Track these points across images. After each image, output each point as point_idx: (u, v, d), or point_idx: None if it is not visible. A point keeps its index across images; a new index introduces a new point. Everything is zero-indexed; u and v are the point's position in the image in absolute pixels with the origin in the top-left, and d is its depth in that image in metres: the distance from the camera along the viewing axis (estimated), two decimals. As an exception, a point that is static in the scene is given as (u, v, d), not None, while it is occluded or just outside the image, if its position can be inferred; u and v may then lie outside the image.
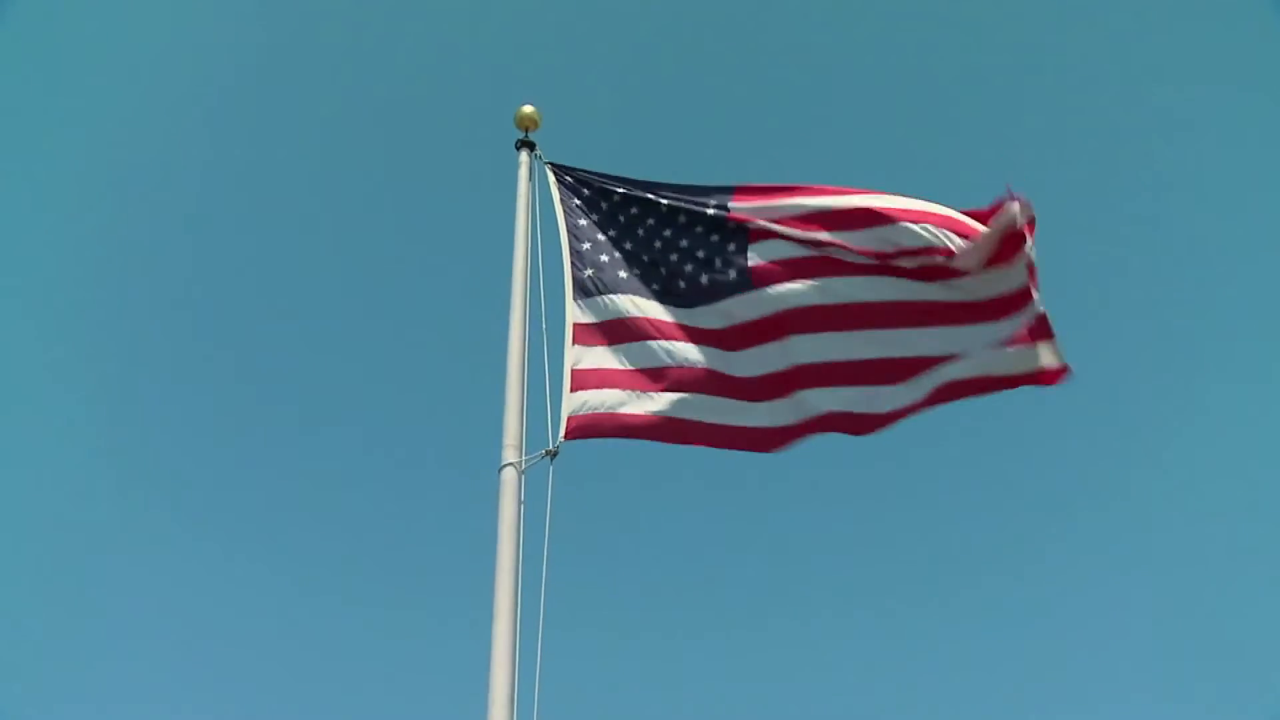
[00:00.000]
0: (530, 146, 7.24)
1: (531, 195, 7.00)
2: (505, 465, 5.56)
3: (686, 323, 6.39)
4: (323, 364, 19.90)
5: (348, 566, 17.79)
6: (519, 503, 5.48)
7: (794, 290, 6.29)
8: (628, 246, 6.71)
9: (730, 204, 6.60)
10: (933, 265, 6.00)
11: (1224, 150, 18.72)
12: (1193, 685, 15.48)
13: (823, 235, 6.27)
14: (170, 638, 15.78)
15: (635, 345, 6.28)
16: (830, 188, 6.39)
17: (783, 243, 6.40)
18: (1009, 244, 5.69)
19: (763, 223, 6.46)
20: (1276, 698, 13.97)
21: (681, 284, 6.53)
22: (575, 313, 6.36)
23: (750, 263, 6.43)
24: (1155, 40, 19.42)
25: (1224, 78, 18.42)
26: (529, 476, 5.62)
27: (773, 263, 6.38)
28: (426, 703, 14.75)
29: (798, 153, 21.16)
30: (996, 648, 17.25)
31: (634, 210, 6.85)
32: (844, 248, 6.23)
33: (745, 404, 6.28)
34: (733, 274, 6.44)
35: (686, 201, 6.74)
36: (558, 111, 7.73)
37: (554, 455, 5.72)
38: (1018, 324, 5.83)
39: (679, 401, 6.18)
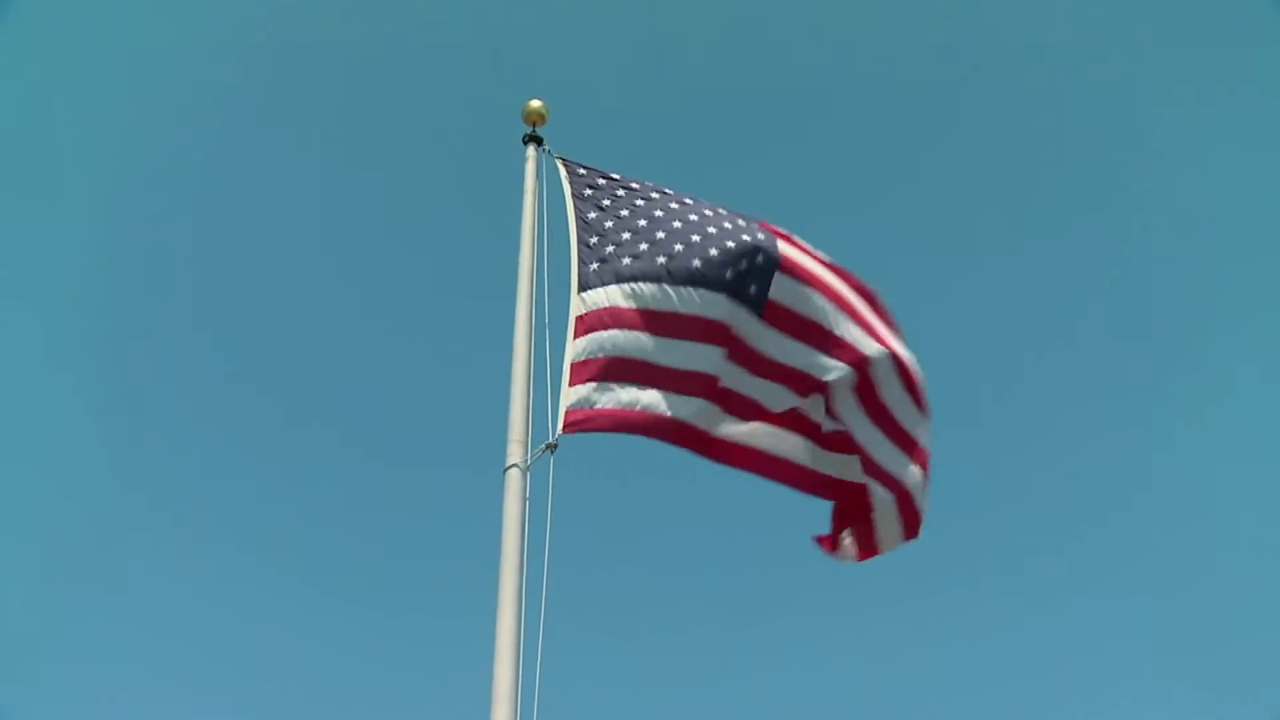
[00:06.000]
0: (538, 141, 7.14)
1: (539, 190, 6.90)
2: (510, 466, 5.49)
3: (693, 313, 6.21)
4: (324, 359, 19.91)
5: (351, 565, 17.77)
6: (524, 501, 5.41)
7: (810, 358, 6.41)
8: (633, 235, 6.49)
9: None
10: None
11: (1225, 150, 18.71)
12: (1194, 687, 15.42)
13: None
14: (176, 637, 15.77)
15: (636, 340, 6.12)
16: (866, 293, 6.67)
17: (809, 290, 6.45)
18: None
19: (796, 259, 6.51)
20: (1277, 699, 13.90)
21: (696, 263, 6.30)
22: (578, 305, 6.23)
23: (771, 293, 6.37)
24: (1155, 40, 19.44)
25: (1225, 78, 18.41)
26: (531, 470, 5.53)
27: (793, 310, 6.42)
28: (431, 700, 14.69)
29: (805, 150, 21.22)
30: (996, 649, 17.21)
31: (651, 197, 6.71)
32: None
33: (756, 425, 6.28)
34: (753, 288, 6.35)
35: (710, 206, 6.70)
36: (566, 107, 7.68)
37: (554, 449, 5.61)
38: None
39: (679, 403, 6.06)
